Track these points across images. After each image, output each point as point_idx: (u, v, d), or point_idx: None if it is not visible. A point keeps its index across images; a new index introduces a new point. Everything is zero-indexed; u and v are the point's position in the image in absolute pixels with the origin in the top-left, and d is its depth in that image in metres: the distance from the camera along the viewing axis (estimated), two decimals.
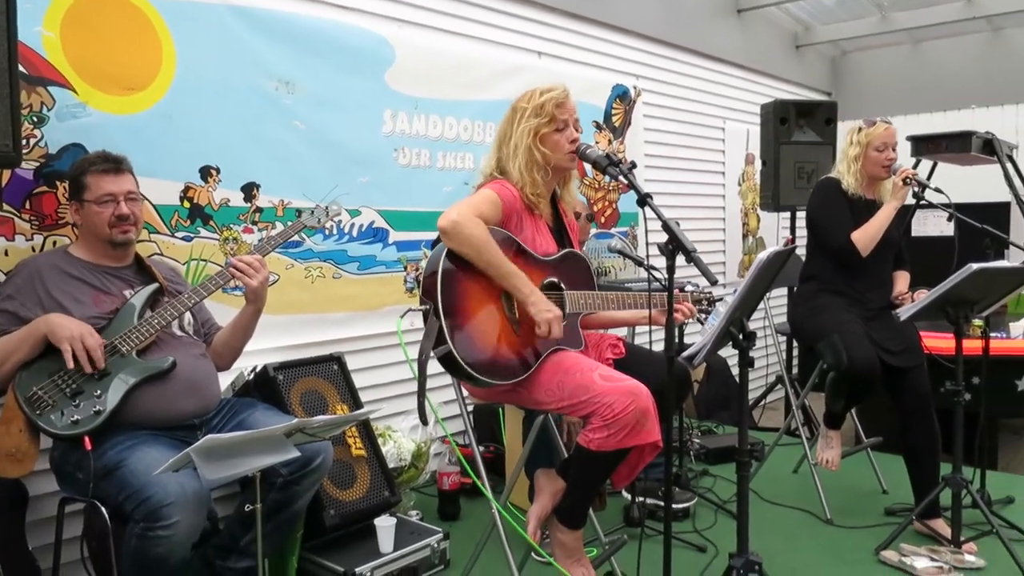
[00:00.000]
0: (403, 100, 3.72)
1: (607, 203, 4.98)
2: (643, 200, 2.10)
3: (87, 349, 2.15)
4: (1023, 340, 4.25)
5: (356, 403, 3.16)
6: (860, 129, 3.27)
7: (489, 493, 2.43)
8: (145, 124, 2.82)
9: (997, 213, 5.44)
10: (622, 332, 3.43)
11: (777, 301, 6.00)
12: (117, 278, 2.43)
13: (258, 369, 2.96)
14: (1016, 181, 4.49)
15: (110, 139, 2.63)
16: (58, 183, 2.60)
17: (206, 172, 3.03)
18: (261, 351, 3.01)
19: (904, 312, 2.98)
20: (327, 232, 3.45)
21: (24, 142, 2.46)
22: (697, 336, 2.39)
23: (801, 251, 3.50)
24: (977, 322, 3.29)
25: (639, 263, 2.46)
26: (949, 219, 3.22)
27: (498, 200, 2.29)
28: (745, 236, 6.41)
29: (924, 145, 4.51)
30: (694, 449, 4.25)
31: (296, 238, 2.92)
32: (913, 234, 5.86)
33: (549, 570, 2.55)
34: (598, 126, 4.87)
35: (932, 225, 6.05)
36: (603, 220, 4.94)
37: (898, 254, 3.41)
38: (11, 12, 2.14)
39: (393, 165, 3.71)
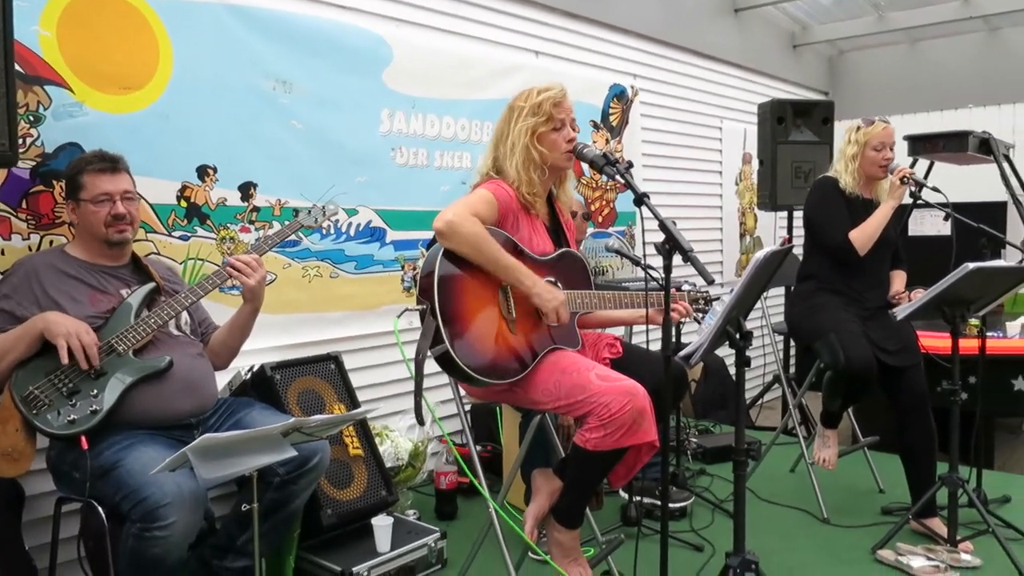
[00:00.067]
0: (400, 99, 3.72)
1: (604, 202, 4.98)
2: (640, 200, 2.10)
3: (83, 346, 2.14)
4: (1019, 339, 4.26)
5: (353, 402, 3.15)
6: (858, 128, 3.27)
7: (486, 493, 2.43)
8: (142, 123, 2.82)
9: (994, 212, 5.44)
10: (619, 332, 3.43)
11: (774, 300, 6.00)
12: (114, 277, 2.42)
13: (255, 368, 2.96)
14: (1013, 180, 4.51)
15: (107, 138, 2.63)
16: (55, 182, 2.59)
17: (203, 171, 3.02)
18: (258, 350, 3.01)
19: (901, 311, 2.98)
20: (324, 231, 3.45)
21: (20, 141, 2.45)
22: (695, 335, 2.39)
23: (798, 250, 3.50)
24: (974, 321, 3.29)
25: (636, 262, 2.46)
26: (946, 218, 3.24)
27: (494, 200, 2.29)
28: (742, 235, 6.42)
29: (921, 144, 4.53)
30: (691, 448, 4.26)
31: (293, 237, 2.92)
32: (910, 233, 5.87)
33: (546, 569, 2.55)
34: (595, 125, 4.87)
35: (929, 224, 6.05)
36: (600, 219, 4.94)
37: (895, 253, 3.41)
38: (7, 11, 2.14)
39: (391, 164, 3.71)
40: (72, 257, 2.40)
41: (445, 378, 2.35)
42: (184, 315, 2.50)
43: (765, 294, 3.16)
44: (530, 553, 2.78)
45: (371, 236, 3.65)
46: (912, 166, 4.50)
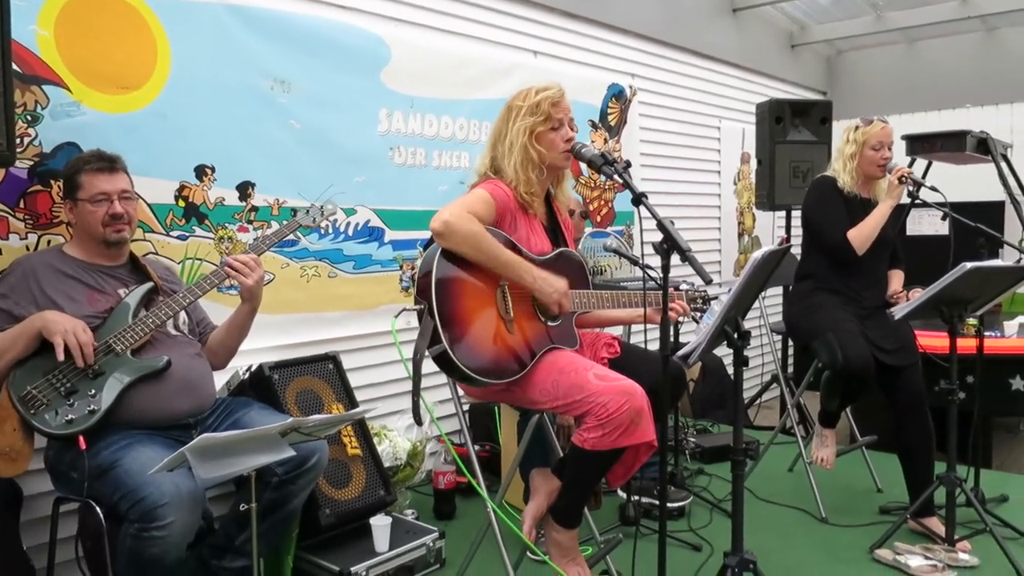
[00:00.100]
0: (399, 99, 3.72)
1: (603, 202, 4.98)
2: (638, 199, 2.10)
3: (79, 344, 2.14)
4: (1017, 339, 4.26)
5: (352, 402, 3.15)
6: (857, 127, 3.28)
7: (484, 492, 2.43)
8: (140, 123, 2.82)
9: (991, 212, 5.44)
10: (618, 331, 3.43)
11: (772, 300, 6.00)
12: (112, 277, 2.42)
13: (253, 368, 2.95)
14: (1010, 180, 4.52)
15: (105, 138, 2.63)
16: (52, 182, 2.59)
17: (201, 171, 3.02)
18: (256, 350, 3.00)
19: (899, 311, 2.98)
20: (323, 231, 3.45)
21: (18, 141, 2.45)
22: (693, 335, 2.39)
23: (796, 250, 3.51)
24: (971, 321, 3.30)
25: (634, 262, 2.47)
26: (944, 218, 3.23)
27: (491, 200, 2.29)
28: (741, 235, 6.42)
29: (919, 144, 4.53)
30: (689, 448, 4.26)
31: (291, 237, 2.92)
32: (908, 233, 5.87)
33: (544, 569, 2.55)
34: (594, 125, 4.87)
35: (927, 224, 6.05)
36: (599, 219, 4.94)
37: (893, 253, 3.41)
38: (5, 10, 2.13)
39: (389, 164, 3.71)
40: (70, 257, 2.39)
41: (443, 378, 2.35)
42: (182, 315, 2.50)
43: (763, 293, 3.16)
44: (529, 553, 2.78)
45: (369, 236, 3.65)
46: (910, 166, 4.50)
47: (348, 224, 3.56)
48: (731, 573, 2.18)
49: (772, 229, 6.59)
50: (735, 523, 2.20)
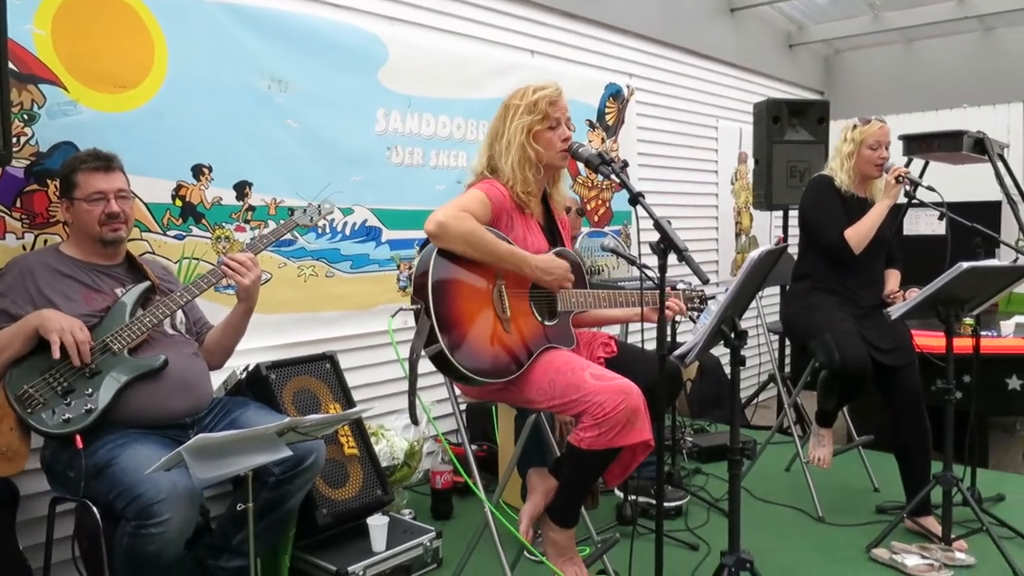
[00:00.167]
0: (396, 98, 3.72)
1: (600, 202, 4.98)
2: (635, 199, 2.10)
3: (76, 342, 2.14)
4: (1013, 339, 4.27)
5: (349, 402, 3.15)
6: (855, 126, 3.28)
7: (481, 492, 2.43)
8: (137, 122, 2.82)
9: (988, 212, 5.45)
10: (615, 331, 3.43)
11: (770, 299, 6.01)
12: (108, 276, 2.42)
13: (250, 368, 2.95)
14: (1007, 180, 4.52)
15: (101, 137, 2.62)
16: (49, 181, 2.59)
17: (198, 170, 3.02)
18: (253, 350, 3.00)
19: (895, 311, 2.99)
20: (320, 231, 3.45)
21: (15, 140, 2.45)
22: (690, 335, 2.39)
23: (793, 249, 3.51)
24: (968, 321, 3.31)
25: (632, 262, 2.47)
26: (940, 218, 3.23)
27: (487, 200, 2.29)
28: (738, 235, 6.43)
29: (916, 144, 4.53)
30: (686, 447, 4.26)
31: (289, 236, 2.91)
32: (905, 233, 5.88)
33: (542, 569, 2.55)
34: (591, 125, 4.87)
35: (924, 224, 6.07)
36: (596, 219, 4.94)
37: (889, 253, 3.42)
38: (2, 9, 2.13)
39: (386, 164, 3.70)
40: (66, 256, 2.39)
41: (441, 377, 2.35)
42: (179, 314, 2.50)
43: (760, 293, 3.17)
44: (526, 553, 2.78)
45: (367, 235, 3.65)
46: (907, 165, 4.51)
47: (345, 224, 3.56)
48: (728, 572, 2.19)
49: (769, 229, 6.60)
50: (732, 522, 2.20)
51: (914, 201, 3.41)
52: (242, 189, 3.16)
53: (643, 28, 5.28)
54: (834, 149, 3.41)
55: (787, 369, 4.99)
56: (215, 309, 2.83)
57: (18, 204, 2.56)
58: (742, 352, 2.14)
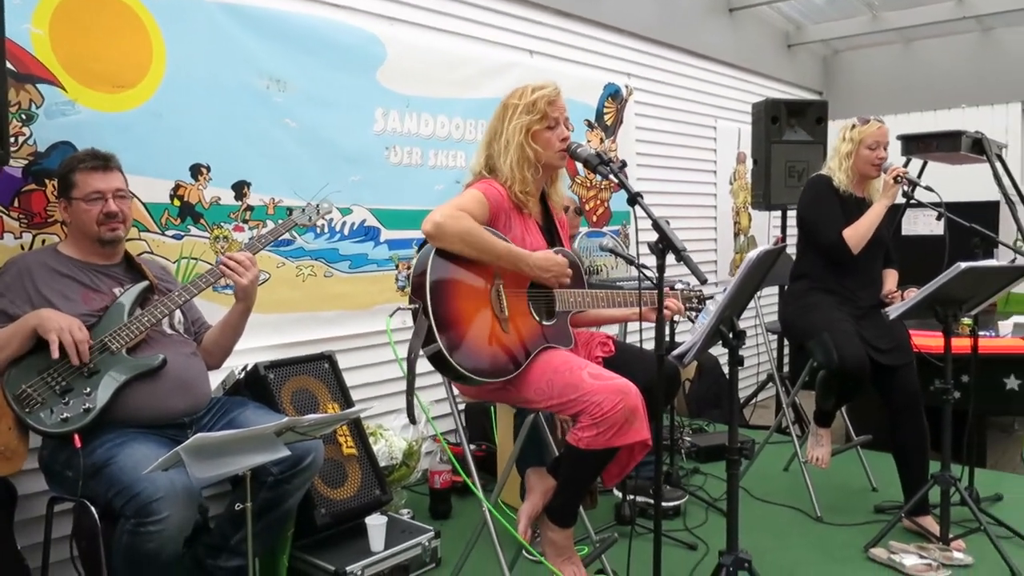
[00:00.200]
0: (394, 98, 3.71)
1: (599, 202, 4.99)
2: (633, 199, 2.10)
3: (75, 341, 2.14)
4: (1011, 339, 4.28)
5: (347, 402, 3.15)
6: (854, 126, 3.28)
7: (479, 492, 2.43)
8: (135, 122, 2.81)
9: (986, 212, 5.46)
10: (613, 330, 3.43)
11: (768, 299, 6.01)
12: (106, 276, 2.42)
13: (249, 368, 2.95)
14: (1005, 180, 4.52)
15: (99, 137, 2.62)
16: (47, 181, 2.59)
17: (196, 170, 3.02)
18: (252, 350, 3.00)
19: (894, 311, 2.99)
20: (318, 230, 3.45)
21: (13, 140, 2.45)
22: (688, 335, 2.40)
23: (792, 250, 3.51)
24: (966, 321, 3.31)
25: (630, 262, 2.47)
26: (939, 218, 3.24)
27: (484, 199, 2.29)
28: (736, 235, 6.43)
29: (914, 144, 4.53)
30: (685, 447, 4.26)
31: (287, 236, 2.91)
32: (903, 233, 5.89)
33: (540, 568, 2.55)
34: (590, 125, 4.87)
35: (922, 224, 6.07)
36: (595, 219, 4.94)
37: (886, 253, 3.42)
38: None
39: (384, 163, 3.70)
40: (64, 256, 2.39)
41: (439, 377, 2.35)
42: (178, 314, 2.50)
43: (759, 293, 3.17)
44: (524, 552, 2.78)
45: (365, 235, 3.65)
46: (905, 165, 4.51)
47: (344, 223, 3.56)
48: (726, 572, 2.19)
49: (768, 229, 6.59)
50: (730, 522, 2.21)
51: (912, 201, 3.41)
52: (240, 189, 3.16)
53: (641, 28, 5.28)
54: (832, 149, 3.41)
55: (785, 369, 5.00)
56: (213, 309, 2.82)
57: (16, 204, 2.56)
58: (740, 352, 2.14)
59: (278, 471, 2.35)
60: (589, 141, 4.82)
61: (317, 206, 2.74)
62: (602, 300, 2.44)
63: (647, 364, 2.29)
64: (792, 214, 4.14)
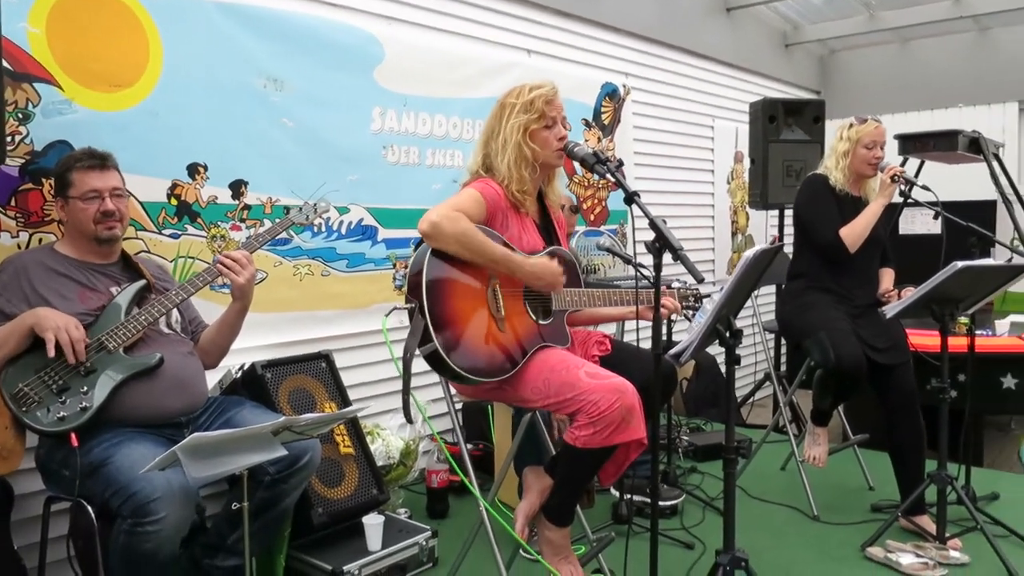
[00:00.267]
0: (392, 98, 3.71)
1: (596, 201, 4.99)
2: (630, 198, 2.10)
3: (71, 340, 2.14)
4: (1008, 338, 4.28)
5: (344, 401, 3.15)
6: (851, 125, 3.29)
7: (476, 491, 2.44)
8: (132, 121, 2.81)
9: (983, 211, 5.48)
10: (610, 330, 3.44)
11: (765, 299, 6.02)
12: (103, 275, 2.42)
13: (246, 367, 2.95)
14: (1002, 180, 4.53)
15: (96, 136, 2.62)
16: (44, 180, 2.58)
17: (194, 169, 3.01)
18: (249, 349, 3.00)
19: (890, 310, 2.99)
20: (315, 229, 3.45)
21: (9, 139, 2.45)
22: (685, 334, 2.40)
23: (789, 249, 3.52)
24: (963, 320, 3.31)
25: (627, 261, 2.47)
26: (936, 217, 3.24)
27: (481, 198, 2.29)
28: (734, 234, 6.44)
29: (911, 143, 4.54)
30: (682, 446, 4.27)
31: (284, 235, 2.92)
32: (900, 232, 5.90)
33: (537, 567, 2.55)
34: (587, 124, 4.87)
35: (919, 223, 6.08)
36: (592, 218, 4.95)
37: (883, 252, 3.42)
38: None
39: (382, 163, 3.70)
40: (61, 255, 2.39)
41: (436, 376, 2.35)
42: (175, 313, 2.50)
43: (756, 292, 3.17)
44: (521, 551, 2.78)
45: (362, 234, 3.65)
46: (902, 165, 4.52)
47: (341, 222, 3.56)
48: (723, 571, 2.19)
49: (765, 228, 6.61)
50: (727, 521, 2.21)
51: (909, 201, 3.42)
52: (238, 188, 3.16)
53: (639, 27, 5.28)
54: (829, 148, 3.42)
55: (783, 368, 5.00)
56: (210, 308, 2.82)
57: (13, 203, 2.55)
58: (737, 351, 2.14)
59: (275, 470, 2.35)
60: (587, 140, 4.83)
61: (314, 205, 2.74)
62: (599, 299, 2.44)
63: (644, 363, 2.29)
64: (789, 213, 4.14)
